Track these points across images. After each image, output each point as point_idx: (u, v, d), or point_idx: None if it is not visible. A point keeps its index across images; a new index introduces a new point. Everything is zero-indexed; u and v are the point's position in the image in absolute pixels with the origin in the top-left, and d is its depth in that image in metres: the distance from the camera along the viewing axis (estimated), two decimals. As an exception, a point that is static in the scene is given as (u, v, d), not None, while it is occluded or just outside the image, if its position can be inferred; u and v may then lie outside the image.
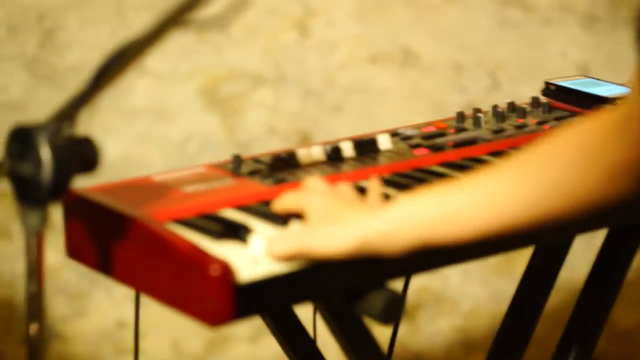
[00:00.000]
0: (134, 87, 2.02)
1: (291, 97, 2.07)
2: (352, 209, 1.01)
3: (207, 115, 2.06)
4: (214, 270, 0.97)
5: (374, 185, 1.07)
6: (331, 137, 1.27)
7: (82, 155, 0.97)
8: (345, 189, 1.07)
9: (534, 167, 0.92)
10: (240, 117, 2.07)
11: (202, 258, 0.98)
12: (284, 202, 1.06)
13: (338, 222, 1.00)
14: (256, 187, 1.15)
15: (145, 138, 2.05)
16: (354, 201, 1.04)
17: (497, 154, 1.25)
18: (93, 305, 2.08)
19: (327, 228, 1.00)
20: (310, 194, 1.05)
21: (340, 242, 0.98)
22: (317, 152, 1.22)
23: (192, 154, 2.03)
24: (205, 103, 2.06)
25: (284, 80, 2.07)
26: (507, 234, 0.94)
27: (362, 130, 1.33)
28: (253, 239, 1.03)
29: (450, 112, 1.38)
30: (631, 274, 1.40)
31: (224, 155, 1.24)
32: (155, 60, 1.99)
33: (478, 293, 2.17)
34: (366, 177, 1.18)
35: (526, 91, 1.87)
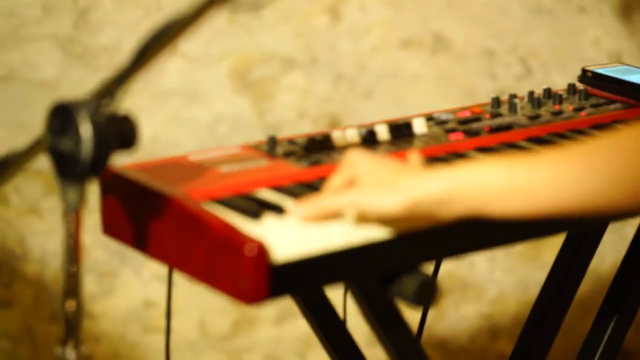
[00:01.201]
0: (166, 68, 2.03)
1: (322, 81, 2.07)
2: (405, 174, 1.01)
3: (237, 98, 2.06)
4: (250, 250, 0.97)
5: (416, 157, 1.07)
6: (361, 122, 1.27)
7: (121, 132, 0.97)
8: (390, 159, 1.06)
9: (602, 158, 0.93)
10: (270, 100, 2.07)
11: (238, 238, 0.99)
12: (335, 179, 1.06)
13: (392, 183, 0.99)
14: (291, 168, 1.15)
15: (176, 119, 2.06)
16: (404, 167, 1.03)
17: (534, 140, 1.24)
18: (121, 283, 2.09)
19: (381, 187, 1.00)
20: (358, 162, 1.04)
21: (393, 200, 0.98)
22: (352, 135, 1.22)
23: (222, 136, 2.04)
24: (236, 85, 2.06)
25: (315, 64, 2.07)
26: (561, 217, 0.94)
27: (392, 115, 1.32)
28: (288, 220, 1.04)
29: (481, 99, 1.38)
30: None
31: (254, 137, 1.24)
32: (187, 42, 1.99)
33: (504, 280, 2.17)
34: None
35: (558, 79, 1.87)
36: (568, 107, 1.34)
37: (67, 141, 0.95)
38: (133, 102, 1.99)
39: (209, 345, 2.14)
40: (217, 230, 1.01)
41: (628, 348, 2.13)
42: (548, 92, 1.37)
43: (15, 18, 1.97)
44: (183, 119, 2.06)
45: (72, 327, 0.97)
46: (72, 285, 0.97)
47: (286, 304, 2.00)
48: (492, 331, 2.19)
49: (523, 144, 1.24)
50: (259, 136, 1.24)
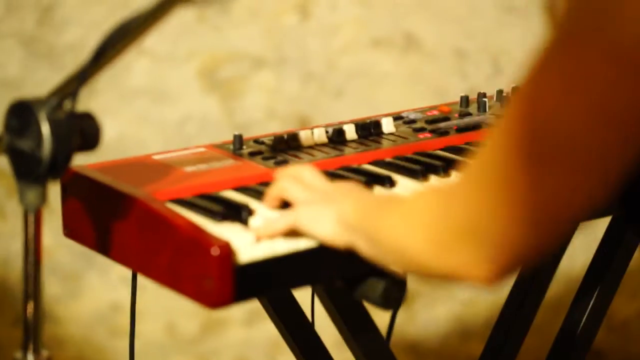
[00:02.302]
0: (133, 67, 2.00)
1: (291, 80, 2.05)
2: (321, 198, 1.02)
3: (206, 97, 2.04)
4: (215, 251, 0.95)
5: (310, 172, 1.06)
6: (331, 121, 1.26)
7: (83, 131, 0.95)
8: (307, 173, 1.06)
9: (400, 229, 0.92)
10: (239, 100, 2.05)
11: (203, 238, 0.97)
12: (266, 201, 1.06)
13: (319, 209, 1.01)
14: (257, 168, 1.13)
15: (143, 119, 2.03)
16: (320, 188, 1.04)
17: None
18: (87, 286, 2.06)
19: (313, 211, 1.01)
20: (283, 182, 1.05)
21: (327, 229, 1.00)
22: (319, 134, 1.20)
23: (190, 136, 2.02)
24: (204, 84, 2.04)
25: (285, 63, 2.05)
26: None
27: (362, 115, 1.31)
28: (253, 220, 1.02)
29: (452, 99, 1.37)
30: (631, 263, 1.39)
31: (223, 137, 1.22)
32: (154, 40, 1.96)
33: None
34: (369, 160, 1.17)
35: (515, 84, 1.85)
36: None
37: (26, 141, 0.92)
38: (99, 101, 1.98)
39: (177, 348, 2.12)
40: (182, 231, 0.99)
41: (598, 347, 2.14)
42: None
43: (-22, 16, 1.94)
44: (150, 118, 2.03)
45: (32, 331, 0.95)
46: (32, 288, 0.95)
47: (255, 306, 1.98)
48: (463, 333, 2.18)
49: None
50: (228, 136, 1.22)
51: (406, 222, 0.90)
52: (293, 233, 1.00)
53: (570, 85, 0.74)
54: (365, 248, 0.97)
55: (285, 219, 1.01)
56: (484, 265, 0.82)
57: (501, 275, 0.83)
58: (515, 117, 0.78)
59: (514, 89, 1.36)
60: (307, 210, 1.00)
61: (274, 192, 1.05)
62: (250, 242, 0.99)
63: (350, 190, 1.02)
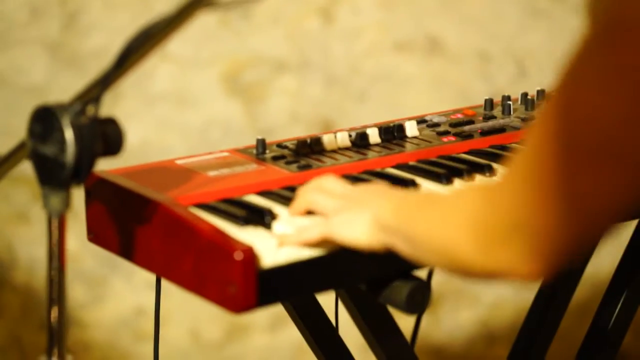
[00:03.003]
0: (156, 72, 2.01)
1: (314, 84, 2.05)
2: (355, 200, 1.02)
3: (228, 102, 2.04)
4: (238, 255, 0.95)
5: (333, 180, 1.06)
6: (355, 125, 1.26)
7: (106, 136, 0.95)
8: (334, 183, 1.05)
9: (435, 223, 0.92)
10: (262, 104, 2.05)
11: (227, 243, 0.97)
12: (295, 212, 1.05)
13: (352, 212, 1.01)
14: (280, 173, 1.13)
15: (166, 124, 2.04)
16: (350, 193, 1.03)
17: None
18: (112, 292, 2.07)
19: (345, 217, 1.00)
20: (311, 194, 1.04)
21: (361, 232, 0.99)
22: (342, 138, 1.20)
23: (213, 141, 2.02)
24: (227, 89, 2.04)
25: (308, 67, 2.05)
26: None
27: (386, 118, 1.31)
28: (276, 225, 1.02)
29: (476, 101, 1.36)
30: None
31: (246, 142, 1.22)
32: (177, 45, 1.97)
33: (500, 286, 2.14)
34: (392, 164, 1.17)
35: (554, 81, 1.84)
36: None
37: (49, 146, 0.92)
38: (122, 106, 1.99)
39: (201, 354, 2.12)
40: (205, 236, 0.98)
41: (625, 352, 2.11)
42: (542, 94, 1.35)
43: (3, 22, 1.95)
44: (174, 123, 2.04)
45: (57, 336, 0.95)
46: (56, 293, 0.95)
47: (279, 311, 1.97)
48: (488, 337, 2.17)
49: (515, 146, 1.22)
50: (251, 140, 1.21)
51: (448, 221, 0.90)
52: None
53: (608, 80, 0.75)
54: (403, 248, 0.96)
55: (318, 228, 1.00)
56: (530, 262, 0.83)
57: (546, 270, 0.83)
58: (554, 113, 0.79)
59: (540, 91, 1.35)
60: (340, 218, 0.99)
61: (299, 206, 1.04)
62: (275, 247, 0.99)
63: (381, 191, 1.01)
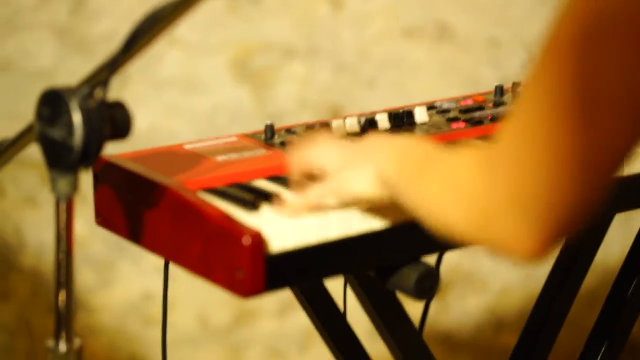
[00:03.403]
0: (164, 57, 2.00)
1: (323, 70, 2.04)
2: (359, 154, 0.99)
3: (237, 87, 2.04)
4: (246, 240, 0.95)
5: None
6: (364, 111, 1.25)
7: (114, 120, 0.95)
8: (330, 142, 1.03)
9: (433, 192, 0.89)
10: (270, 90, 2.05)
11: (235, 227, 0.96)
12: (295, 168, 1.03)
13: (356, 163, 0.99)
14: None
15: (175, 109, 2.04)
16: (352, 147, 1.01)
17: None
18: (120, 276, 2.07)
19: (349, 170, 0.98)
20: (314, 153, 1.02)
21: (367, 181, 0.97)
22: (351, 124, 1.19)
23: (221, 126, 2.02)
24: (236, 75, 2.04)
25: (317, 53, 2.04)
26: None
27: (394, 105, 1.30)
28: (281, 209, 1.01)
29: (485, 88, 1.35)
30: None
31: (254, 128, 1.22)
32: (186, 31, 1.97)
33: (509, 273, 2.14)
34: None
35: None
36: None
37: (57, 129, 0.92)
38: (131, 91, 1.99)
39: (209, 339, 2.12)
40: (213, 220, 0.98)
41: (635, 341, 2.11)
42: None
43: (11, 6, 1.95)
44: (182, 109, 2.03)
45: (64, 319, 0.95)
46: (64, 276, 0.95)
47: (287, 297, 1.97)
48: (496, 324, 2.17)
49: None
50: (259, 127, 1.21)
51: (447, 191, 0.87)
52: (325, 221, 0.99)
53: (610, 31, 0.72)
54: (405, 204, 0.93)
55: (323, 188, 0.98)
56: (529, 236, 0.78)
57: (547, 244, 0.79)
58: (553, 71, 0.75)
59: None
60: (346, 174, 0.98)
61: (299, 167, 1.02)
62: (282, 231, 0.98)
63: (384, 142, 0.98)
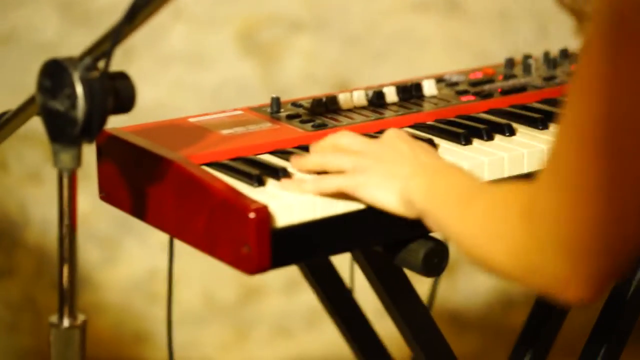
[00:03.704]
0: (170, 32, 1.98)
1: (331, 44, 2.02)
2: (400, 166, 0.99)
3: (243, 62, 2.02)
4: (252, 214, 0.93)
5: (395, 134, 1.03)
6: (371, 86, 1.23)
7: (118, 92, 0.93)
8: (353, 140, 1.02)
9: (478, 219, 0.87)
10: (277, 64, 2.02)
11: (240, 202, 0.95)
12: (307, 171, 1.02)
13: (393, 177, 0.98)
14: (295, 132, 1.11)
15: (180, 84, 2.02)
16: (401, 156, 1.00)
17: (548, 101, 1.20)
18: (125, 253, 2.06)
19: (384, 179, 0.98)
20: (325, 152, 1.01)
21: (392, 199, 0.97)
22: (358, 97, 1.17)
23: (227, 101, 2.00)
24: (242, 49, 2.02)
25: (324, 26, 2.02)
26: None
27: (403, 79, 1.28)
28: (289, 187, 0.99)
29: (495, 63, 1.33)
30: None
31: (260, 103, 1.20)
32: (191, 4, 1.94)
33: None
34: (409, 123, 1.14)
35: (576, 42, 1.81)
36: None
37: (60, 101, 0.91)
38: (137, 67, 1.97)
39: (215, 316, 2.11)
40: (218, 194, 0.97)
41: None
42: (565, 53, 1.32)
43: (15, -20, 1.93)
44: (187, 83, 2.02)
45: (68, 294, 0.94)
46: (68, 251, 0.94)
47: (294, 275, 1.96)
48: (506, 303, 2.15)
49: (537, 105, 1.19)
50: (266, 101, 1.19)
51: (483, 227, 0.85)
52: (331, 198, 0.98)
53: None
54: (433, 228, 0.94)
55: (339, 180, 0.97)
56: (578, 280, 0.77)
57: (597, 287, 0.77)
58: (588, 116, 0.74)
59: (563, 51, 1.31)
60: (367, 178, 0.97)
61: (310, 165, 1.02)
62: (288, 205, 0.96)
63: (406, 154, 0.98)
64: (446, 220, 0.91)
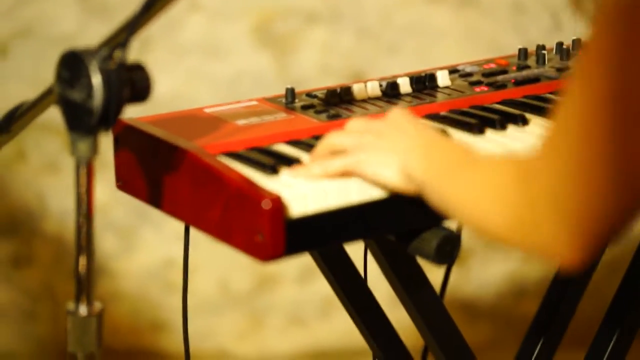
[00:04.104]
0: (186, 22, 1.99)
1: (346, 36, 2.03)
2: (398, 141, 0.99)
3: (259, 53, 2.03)
4: (266, 204, 0.94)
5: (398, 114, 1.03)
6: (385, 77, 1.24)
7: (134, 82, 0.94)
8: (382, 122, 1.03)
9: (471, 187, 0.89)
10: (292, 56, 2.03)
11: (255, 191, 0.96)
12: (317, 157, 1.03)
13: (388, 152, 0.98)
14: (309, 122, 1.12)
15: (196, 75, 2.03)
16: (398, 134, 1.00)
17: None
18: (141, 242, 2.08)
19: (380, 155, 0.98)
20: (334, 135, 1.02)
21: (391, 173, 0.98)
22: (372, 88, 1.18)
23: (242, 92, 2.01)
24: (258, 40, 2.03)
25: (339, 18, 2.02)
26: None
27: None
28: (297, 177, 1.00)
29: (508, 54, 1.33)
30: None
31: (275, 93, 1.21)
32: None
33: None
34: (423, 114, 1.15)
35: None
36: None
37: (77, 91, 0.92)
38: (153, 57, 1.98)
39: (229, 305, 2.13)
40: (233, 184, 0.98)
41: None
42: (578, 44, 1.33)
43: (33, -28, 1.95)
44: (203, 74, 2.03)
45: (85, 282, 0.95)
46: (85, 239, 0.95)
47: (308, 263, 1.97)
48: (518, 292, 2.16)
49: (550, 96, 1.20)
50: (281, 92, 1.20)
51: (481, 192, 0.87)
52: (345, 186, 0.99)
53: None
54: (432, 200, 0.94)
55: (341, 161, 0.99)
56: (568, 242, 0.78)
57: (587, 252, 0.79)
58: (597, 82, 0.74)
59: (575, 41, 1.32)
60: (368, 155, 0.98)
61: (321, 149, 1.03)
62: (301, 195, 0.98)
63: (408, 129, 0.98)
64: (444, 188, 0.92)
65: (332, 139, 1.02)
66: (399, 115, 1.02)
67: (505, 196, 0.83)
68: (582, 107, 0.75)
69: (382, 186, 0.98)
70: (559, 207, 0.78)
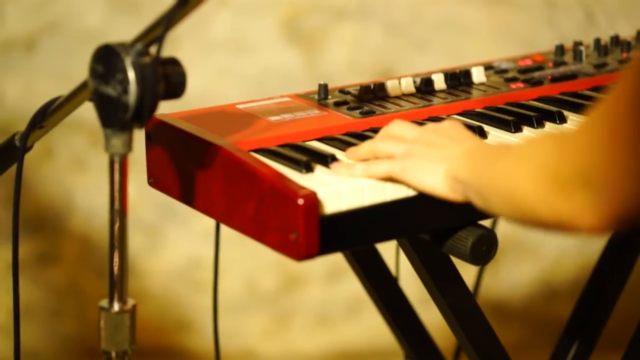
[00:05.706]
0: (214, 19, 1.98)
1: (375, 31, 2.01)
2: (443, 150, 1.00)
3: (287, 50, 2.02)
4: (301, 201, 0.93)
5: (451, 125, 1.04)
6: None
7: (168, 78, 0.93)
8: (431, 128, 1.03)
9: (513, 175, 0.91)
10: (321, 52, 2.02)
11: (289, 188, 0.94)
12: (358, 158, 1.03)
13: (436, 161, 0.99)
14: (343, 119, 1.10)
15: (224, 72, 2.02)
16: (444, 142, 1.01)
17: (599, 89, 1.18)
18: (169, 241, 2.07)
19: (428, 163, 0.99)
20: (378, 140, 1.02)
21: (439, 182, 0.99)
22: (406, 84, 1.17)
23: (271, 89, 2.00)
24: (286, 37, 2.01)
25: (368, 14, 2.01)
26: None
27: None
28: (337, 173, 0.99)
29: (540, 50, 1.32)
30: None
31: (303, 90, 1.20)
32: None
33: (563, 241, 2.11)
34: (458, 111, 1.13)
35: (624, 29, 1.78)
36: (637, 55, 1.27)
37: (111, 87, 0.91)
38: (181, 54, 1.96)
39: (257, 305, 2.12)
40: (267, 181, 0.96)
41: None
42: (616, 40, 1.31)
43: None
44: (231, 71, 2.02)
45: (117, 279, 0.94)
46: (117, 237, 0.94)
47: (336, 263, 1.95)
48: (549, 294, 2.13)
49: (588, 93, 1.18)
50: (309, 89, 1.19)
51: (517, 169, 0.89)
52: (380, 184, 0.97)
53: None
54: (477, 201, 0.95)
55: (387, 165, 0.98)
56: (595, 212, 0.82)
57: (611, 223, 0.82)
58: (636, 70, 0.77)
59: (613, 37, 1.30)
60: (415, 163, 0.98)
61: (362, 153, 1.02)
62: (336, 193, 0.96)
63: (453, 136, 0.99)
64: (484, 179, 0.93)
65: (380, 145, 1.01)
66: (450, 125, 1.01)
67: (539, 163, 0.86)
68: (624, 97, 0.79)
69: (428, 194, 0.97)
70: (588, 179, 0.81)
